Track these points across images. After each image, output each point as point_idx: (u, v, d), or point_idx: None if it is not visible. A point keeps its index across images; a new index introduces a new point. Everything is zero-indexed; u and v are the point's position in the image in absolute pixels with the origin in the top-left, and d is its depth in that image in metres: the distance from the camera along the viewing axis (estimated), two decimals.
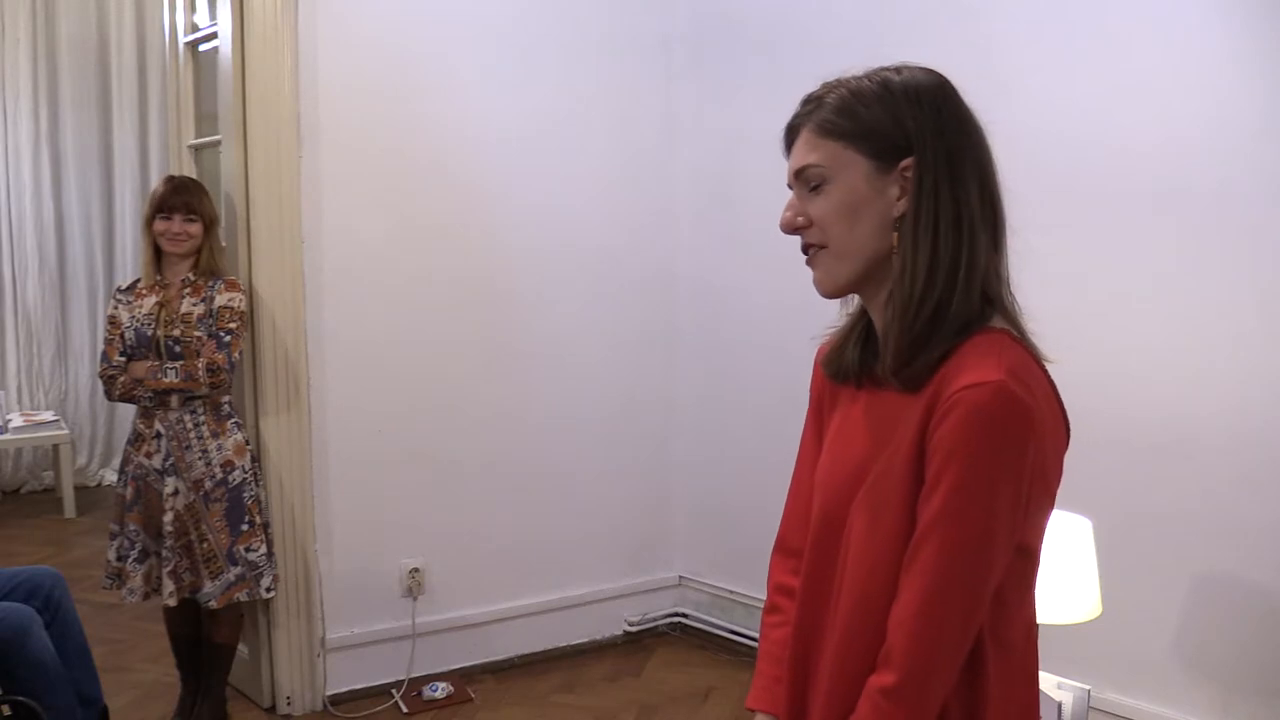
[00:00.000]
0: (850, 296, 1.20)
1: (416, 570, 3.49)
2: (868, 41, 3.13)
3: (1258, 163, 2.47)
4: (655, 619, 3.97)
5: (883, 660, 1.08)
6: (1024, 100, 2.85)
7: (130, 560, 2.98)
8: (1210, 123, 2.53)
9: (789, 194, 1.17)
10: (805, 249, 1.17)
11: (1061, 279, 2.79)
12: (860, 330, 1.20)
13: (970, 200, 1.10)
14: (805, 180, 1.14)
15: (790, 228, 1.16)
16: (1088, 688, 1.89)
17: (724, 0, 3.70)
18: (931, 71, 1.15)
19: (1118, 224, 2.70)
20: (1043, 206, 2.82)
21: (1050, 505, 1.12)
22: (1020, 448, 1.03)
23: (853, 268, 1.13)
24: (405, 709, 3.34)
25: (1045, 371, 1.11)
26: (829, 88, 1.15)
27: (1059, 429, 1.11)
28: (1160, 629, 2.68)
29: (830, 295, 1.18)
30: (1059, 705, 1.79)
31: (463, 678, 3.54)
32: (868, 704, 1.07)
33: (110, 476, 5.93)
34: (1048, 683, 1.77)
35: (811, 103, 1.16)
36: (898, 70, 1.14)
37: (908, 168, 1.10)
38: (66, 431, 5.64)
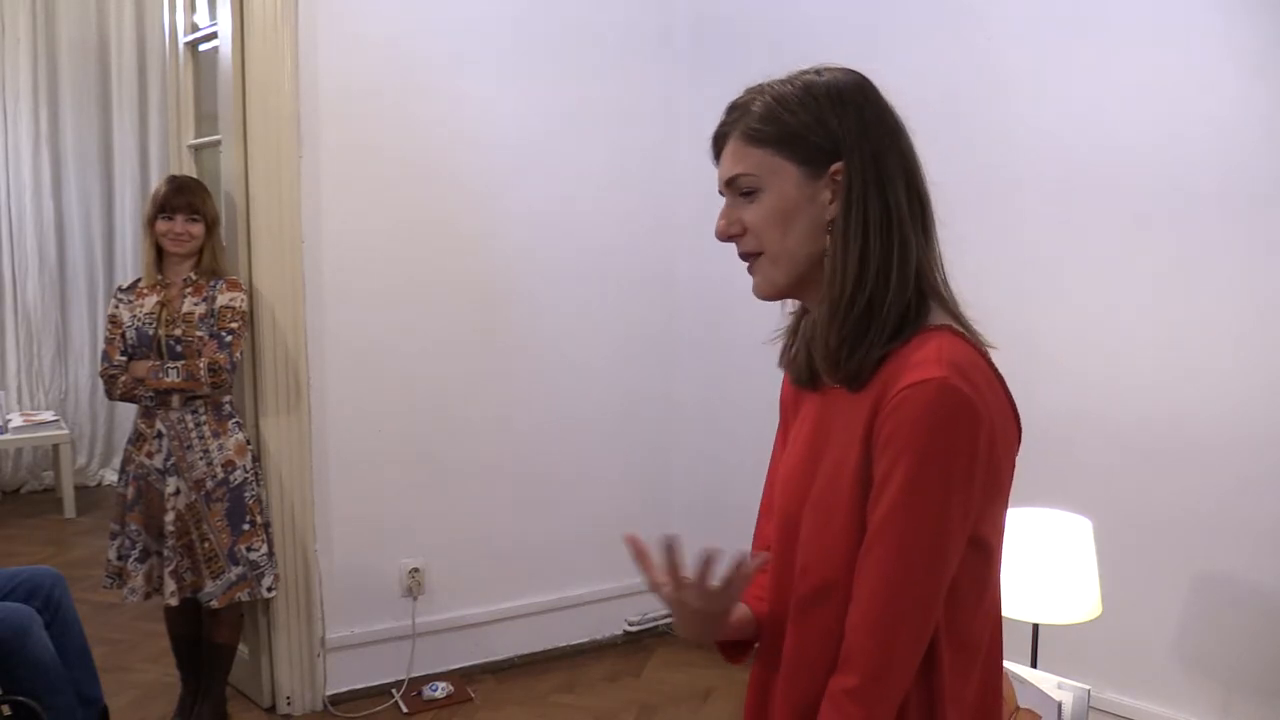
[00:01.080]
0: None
1: (416, 570, 3.49)
2: (869, 40, 3.13)
3: (1259, 163, 2.46)
4: (655, 619, 3.97)
5: (843, 661, 1.08)
6: (1024, 101, 2.85)
7: (131, 560, 2.98)
8: (1211, 123, 2.52)
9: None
10: (742, 255, 1.18)
11: (1062, 279, 2.79)
12: (805, 332, 1.22)
13: (898, 199, 1.11)
14: (736, 188, 1.16)
15: (725, 236, 1.17)
16: (1088, 688, 1.89)
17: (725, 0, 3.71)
18: (851, 71, 1.16)
19: (1118, 224, 2.70)
20: (1044, 207, 2.82)
21: (1003, 499, 1.12)
22: (968, 441, 1.04)
23: (788, 272, 1.15)
24: (405, 709, 3.34)
25: (991, 365, 1.12)
26: (753, 94, 1.16)
27: (1008, 422, 1.11)
28: (1160, 629, 2.67)
29: (768, 299, 1.20)
30: (1059, 705, 1.79)
31: (463, 678, 3.54)
32: (831, 707, 1.08)
33: (110, 476, 5.93)
34: (1048, 683, 1.77)
35: (736, 110, 1.16)
36: (819, 72, 1.15)
37: (838, 172, 1.11)
38: (66, 431, 5.64)
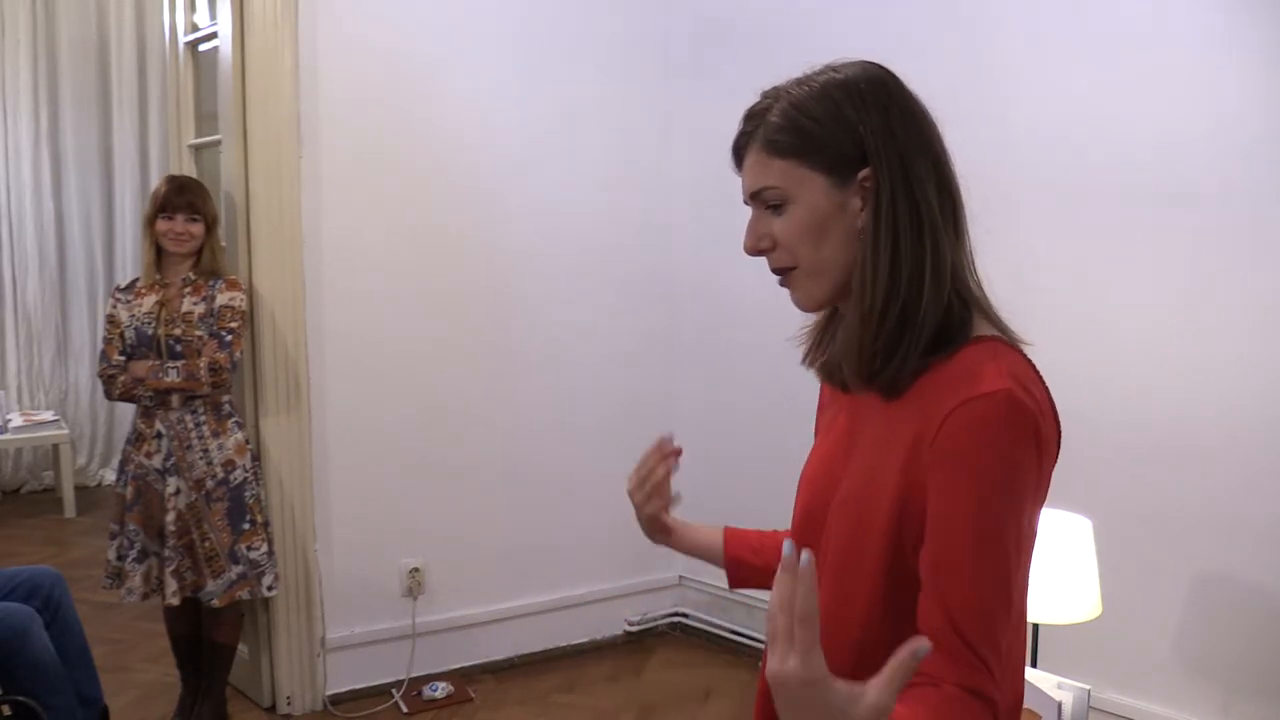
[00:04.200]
0: None
1: (416, 570, 3.49)
2: (867, 40, 3.12)
3: (1260, 164, 2.47)
4: (655, 619, 3.97)
5: (946, 666, 0.99)
6: (1025, 101, 2.85)
7: (130, 560, 2.98)
8: (1212, 124, 2.52)
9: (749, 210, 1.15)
10: (775, 270, 1.14)
11: (1063, 280, 2.79)
12: (834, 331, 1.19)
13: (929, 200, 1.06)
14: (763, 201, 1.11)
15: (754, 251, 1.13)
16: (1088, 688, 1.89)
17: (723, 0, 3.71)
18: (871, 65, 1.11)
19: (1119, 225, 2.70)
20: (1044, 208, 2.83)
21: (1038, 520, 1.10)
22: (1032, 454, 1.02)
23: (829, 283, 1.11)
24: (405, 709, 3.34)
25: (1041, 377, 1.10)
26: (769, 100, 1.11)
27: (1055, 438, 1.09)
28: (1160, 629, 2.68)
29: (812, 311, 1.16)
30: (1059, 705, 1.79)
31: (463, 678, 3.54)
32: (955, 706, 0.99)
33: (110, 476, 5.93)
34: (1048, 683, 1.77)
35: (754, 119, 1.11)
36: (836, 69, 1.10)
37: (866, 179, 1.06)
38: (66, 431, 5.64)
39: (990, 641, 1.01)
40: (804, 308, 1.15)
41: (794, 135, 1.08)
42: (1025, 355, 1.10)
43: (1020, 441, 1.01)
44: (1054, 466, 1.10)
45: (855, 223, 1.08)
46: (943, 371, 1.05)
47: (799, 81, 1.11)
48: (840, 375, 1.17)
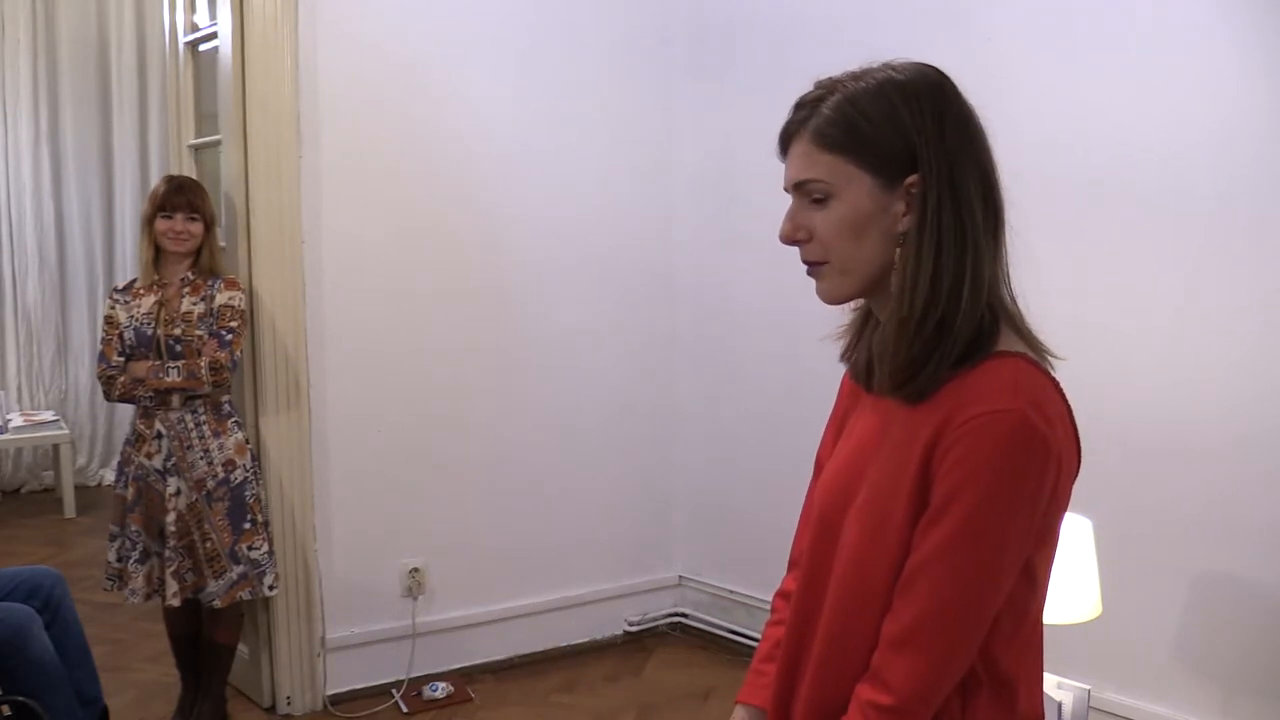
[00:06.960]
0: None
1: (416, 570, 3.49)
2: (868, 39, 3.11)
3: (1261, 166, 2.46)
4: (655, 619, 3.97)
5: (877, 675, 1.07)
6: (1025, 102, 2.85)
7: (131, 561, 2.98)
8: (1213, 126, 2.52)
9: (790, 196, 1.14)
10: (805, 262, 1.13)
11: (1063, 281, 2.79)
12: (869, 331, 1.18)
13: (974, 212, 1.06)
14: (806, 193, 1.10)
15: (790, 240, 1.12)
16: (1088, 688, 1.89)
17: (724, 1, 3.71)
18: (929, 69, 1.10)
19: (1119, 227, 2.70)
20: (1045, 210, 2.82)
21: (1058, 532, 1.10)
22: (1036, 479, 1.01)
23: (857, 282, 1.11)
24: (405, 709, 3.34)
25: (1063, 396, 1.09)
26: (825, 90, 1.09)
27: (1073, 457, 1.09)
28: (1160, 629, 2.67)
29: (834, 304, 1.16)
30: (1059, 705, 1.79)
31: (463, 678, 3.54)
32: (861, 717, 1.07)
33: (110, 476, 5.92)
34: (1048, 683, 1.77)
35: (806, 107, 1.10)
36: (894, 68, 1.08)
37: (913, 184, 1.05)
38: (66, 431, 5.64)
39: (930, 667, 1.05)
40: (829, 301, 1.15)
41: (846, 131, 1.07)
42: (1049, 374, 1.09)
43: (1024, 464, 1.01)
44: (1073, 481, 1.10)
45: (895, 226, 1.07)
46: (965, 382, 1.05)
47: (855, 75, 1.10)
48: (865, 374, 1.17)
